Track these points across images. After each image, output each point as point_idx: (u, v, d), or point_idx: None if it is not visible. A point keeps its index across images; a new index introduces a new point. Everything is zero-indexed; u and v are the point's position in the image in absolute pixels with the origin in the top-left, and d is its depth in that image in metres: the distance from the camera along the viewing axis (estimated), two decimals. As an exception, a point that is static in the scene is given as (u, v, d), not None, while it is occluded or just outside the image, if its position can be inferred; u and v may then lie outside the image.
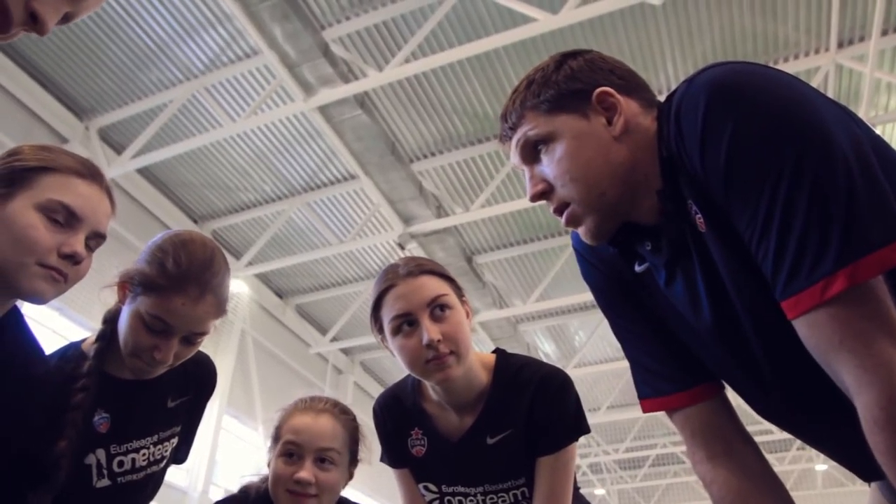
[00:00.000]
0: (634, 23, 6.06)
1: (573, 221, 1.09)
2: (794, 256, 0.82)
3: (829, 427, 1.01)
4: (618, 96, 1.06)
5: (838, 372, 0.83)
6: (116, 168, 6.83)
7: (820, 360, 0.85)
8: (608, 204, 1.05)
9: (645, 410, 1.22)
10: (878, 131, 6.77)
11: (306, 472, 1.55)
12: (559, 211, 1.09)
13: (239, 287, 8.32)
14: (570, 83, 1.08)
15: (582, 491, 1.76)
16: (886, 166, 0.87)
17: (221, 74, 6.55)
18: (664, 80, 6.53)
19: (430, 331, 1.41)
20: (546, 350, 11.28)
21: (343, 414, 1.67)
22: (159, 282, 1.30)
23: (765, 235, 0.85)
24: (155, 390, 1.46)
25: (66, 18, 0.81)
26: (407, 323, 1.43)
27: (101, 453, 1.40)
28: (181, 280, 1.30)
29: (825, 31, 6.15)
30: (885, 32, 6.00)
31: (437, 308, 1.44)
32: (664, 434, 14.36)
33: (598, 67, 1.10)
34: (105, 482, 1.41)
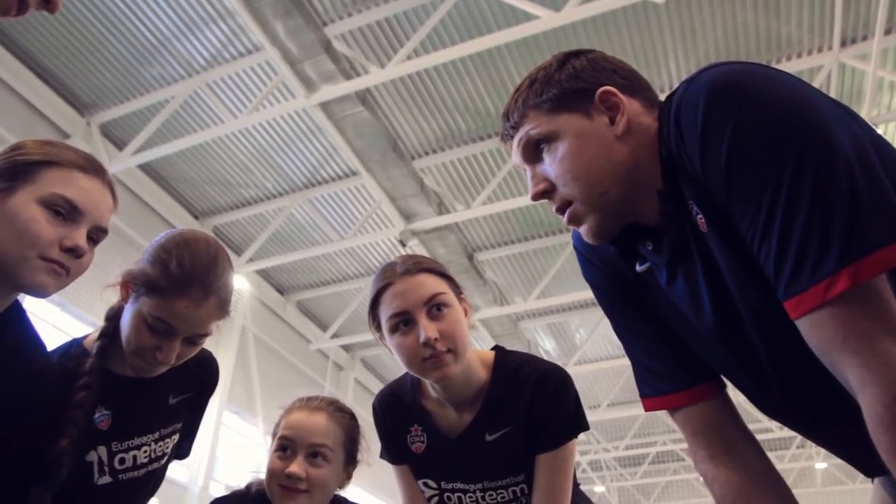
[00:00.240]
0: (637, 21, 6.06)
1: (575, 220, 1.09)
2: (797, 256, 0.82)
3: (833, 425, 1.01)
4: (620, 96, 1.06)
5: (842, 371, 0.83)
6: (117, 163, 6.83)
7: (823, 359, 0.85)
8: (610, 203, 1.05)
9: (647, 409, 1.22)
10: (880, 130, 6.77)
11: (297, 467, 1.58)
12: (561, 210, 1.09)
13: (240, 283, 8.33)
14: (572, 82, 1.08)
15: (582, 488, 1.77)
16: (888, 165, 0.87)
17: (223, 70, 6.55)
18: (666, 78, 6.52)
19: (427, 329, 1.40)
20: (547, 347, 11.29)
21: (339, 412, 1.68)
22: (162, 284, 1.30)
23: (766, 235, 0.85)
24: (157, 387, 1.46)
25: None
26: (404, 321, 1.43)
27: (102, 450, 1.40)
28: (184, 282, 1.30)
29: (828, 30, 6.14)
30: (888, 31, 6.00)
31: (435, 306, 1.44)
32: (664, 431, 14.38)
33: (601, 67, 1.10)
34: (106, 479, 1.41)
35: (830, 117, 0.87)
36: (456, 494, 1.56)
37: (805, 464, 15.02)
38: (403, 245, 7.84)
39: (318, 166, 7.80)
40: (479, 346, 1.50)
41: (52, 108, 6.70)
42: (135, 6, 5.97)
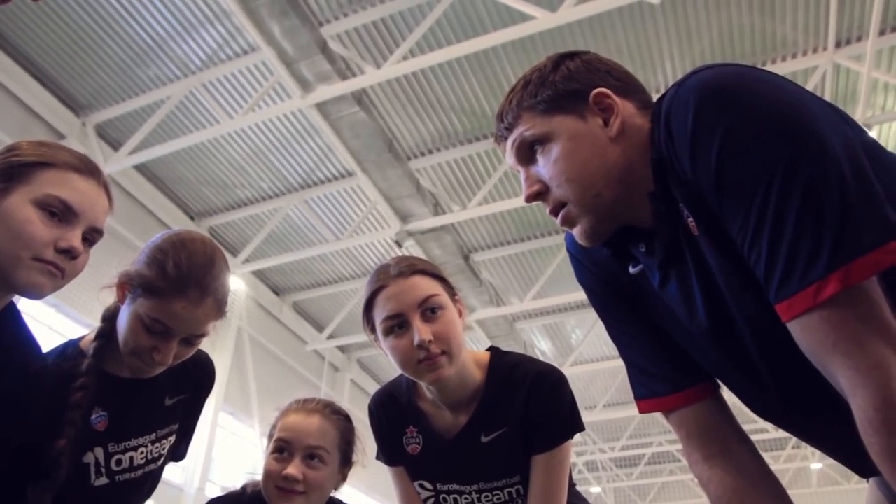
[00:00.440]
0: (633, 21, 6.07)
1: (568, 222, 1.09)
2: (787, 259, 0.83)
3: (826, 426, 1.02)
4: (615, 98, 1.06)
5: (833, 374, 0.83)
6: (113, 164, 6.81)
7: (815, 362, 0.85)
8: (603, 205, 1.05)
9: (641, 411, 1.23)
10: (875, 131, 6.79)
11: (294, 469, 1.58)
12: (555, 212, 1.09)
13: (236, 284, 8.31)
14: (567, 84, 1.08)
15: (578, 488, 1.77)
16: (878, 168, 0.87)
17: (219, 71, 6.54)
18: (662, 78, 6.53)
19: (421, 331, 1.40)
20: (542, 348, 11.30)
21: (335, 414, 1.69)
22: (159, 285, 1.30)
23: (757, 238, 0.85)
24: (153, 389, 1.45)
25: None
26: (398, 324, 1.43)
27: (99, 452, 1.40)
28: (181, 283, 1.30)
29: (823, 31, 6.16)
30: (882, 32, 6.01)
31: (429, 309, 1.44)
32: (660, 432, 14.39)
33: (596, 68, 1.10)
34: (103, 480, 1.40)
35: (821, 120, 0.88)
36: (452, 496, 1.56)
37: (800, 464, 15.05)
38: (399, 246, 7.83)
39: (314, 167, 7.79)
40: (475, 347, 1.50)
41: (48, 108, 6.68)
42: (130, 7, 5.95)
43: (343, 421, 1.70)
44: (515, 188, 7.76)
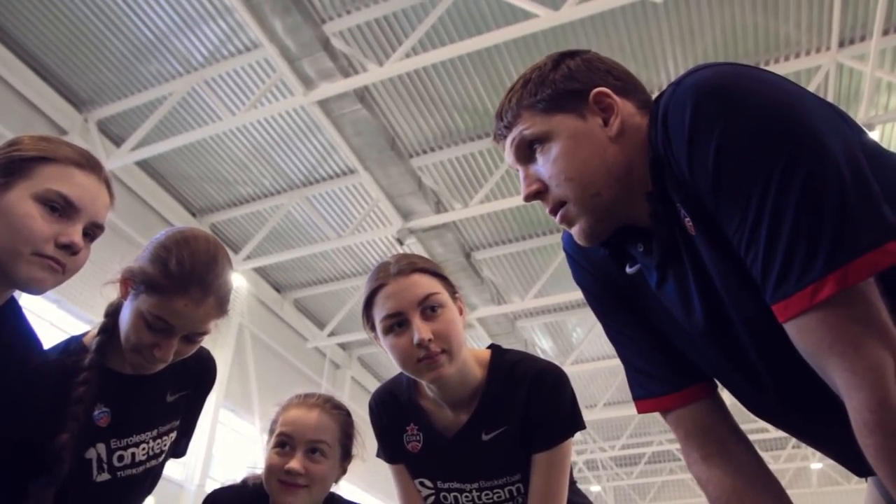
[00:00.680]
0: (635, 20, 6.06)
1: (567, 221, 1.08)
2: (784, 260, 0.82)
3: (824, 426, 1.01)
4: (615, 97, 1.06)
5: (830, 375, 0.83)
6: (115, 160, 6.82)
7: (812, 362, 0.85)
8: (603, 204, 1.05)
9: (639, 411, 1.22)
10: (878, 131, 6.78)
11: (296, 463, 1.59)
12: (554, 211, 1.09)
13: (237, 281, 8.30)
14: (567, 83, 1.07)
15: (578, 486, 1.76)
16: (876, 167, 0.86)
17: (221, 67, 6.54)
18: (665, 77, 6.53)
19: (420, 330, 1.40)
20: (543, 346, 11.30)
21: (335, 409, 1.70)
22: (162, 283, 1.30)
23: (754, 238, 0.85)
24: (154, 385, 1.46)
25: None
26: (398, 322, 1.42)
27: (101, 447, 1.40)
28: (184, 281, 1.30)
29: (826, 30, 6.15)
30: (886, 32, 6.01)
31: (429, 307, 1.43)
32: (660, 431, 14.39)
33: (596, 68, 1.09)
34: (105, 476, 1.41)
35: (819, 120, 0.87)
36: (452, 494, 1.56)
37: (801, 464, 15.05)
38: (401, 243, 7.83)
39: (315, 164, 7.79)
40: (475, 346, 1.50)
41: (50, 104, 6.69)
42: (133, 3, 5.95)
43: (343, 415, 1.71)
44: (517, 186, 7.75)
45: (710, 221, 0.93)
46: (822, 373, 0.85)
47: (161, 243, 1.37)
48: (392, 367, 1.46)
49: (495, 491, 1.53)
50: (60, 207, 1.18)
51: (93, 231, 1.24)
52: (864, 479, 1.19)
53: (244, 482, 1.72)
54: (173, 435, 1.53)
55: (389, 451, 1.61)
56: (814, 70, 6.39)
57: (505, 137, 1.12)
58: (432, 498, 1.58)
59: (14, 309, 1.27)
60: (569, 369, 9.46)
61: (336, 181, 7.96)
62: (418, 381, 1.54)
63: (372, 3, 5.99)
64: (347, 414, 1.73)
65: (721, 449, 1.13)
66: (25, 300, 1.34)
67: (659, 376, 1.17)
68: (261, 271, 9.44)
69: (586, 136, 1.04)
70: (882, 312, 0.81)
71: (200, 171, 7.86)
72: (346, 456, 1.70)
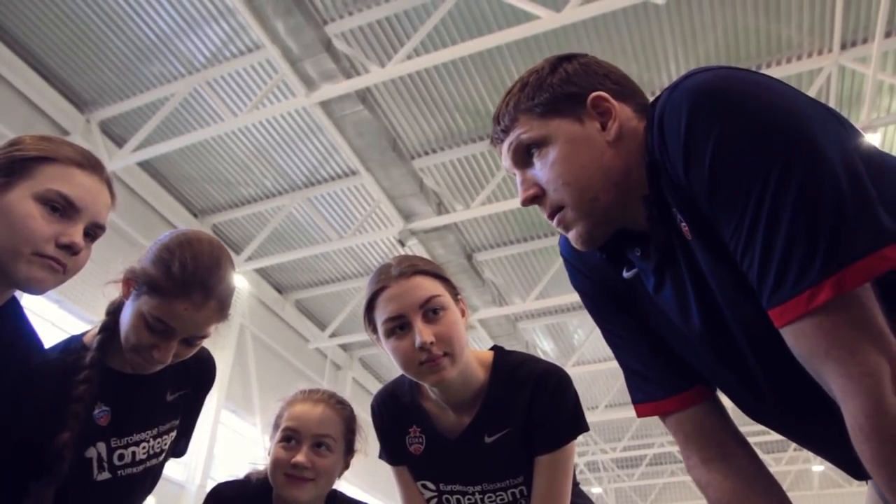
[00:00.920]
0: (637, 22, 6.06)
1: (565, 226, 1.08)
2: (780, 265, 0.82)
3: (821, 430, 1.01)
4: (612, 101, 1.05)
5: (826, 380, 0.83)
6: (117, 161, 6.83)
7: (808, 368, 0.85)
8: (600, 209, 1.04)
9: (639, 415, 1.23)
10: (879, 134, 6.77)
11: (303, 457, 1.61)
12: (552, 216, 1.09)
13: (238, 282, 8.27)
14: (564, 87, 1.07)
15: (580, 488, 1.76)
16: (873, 172, 0.86)
17: (223, 69, 6.55)
18: (666, 79, 6.52)
19: (422, 333, 1.39)
20: (545, 348, 11.29)
21: (339, 404, 1.72)
22: (163, 285, 1.30)
23: (750, 243, 0.85)
24: (154, 384, 1.46)
25: None
26: (400, 325, 1.42)
27: (101, 446, 1.40)
28: (185, 285, 1.30)
29: (828, 33, 6.14)
30: (888, 34, 6.00)
31: (430, 310, 1.42)
32: (662, 433, 14.37)
33: (594, 71, 1.09)
34: (105, 475, 1.41)
35: (816, 124, 0.87)
36: (455, 496, 1.55)
37: (802, 466, 15.02)
38: (402, 245, 7.83)
39: (317, 165, 7.79)
40: (477, 347, 1.50)
41: (52, 105, 6.69)
42: (135, 4, 5.96)
43: (347, 410, 1.73)
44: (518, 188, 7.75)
45: (707, 225, 0.93)
46: (819, 378, 0.84)
47: (164, 245, 1.37)
48: (393, 369, 1.46)
49: (498, 493, 1.53)
50: (61, 207, 1.18)
51: (94, 231, 1.24)
52: (864, 482, 1.19)
53: (248, 477, 1.74)
54: (173, 434, 1.54)
55: (392, 452, 1.60)
56: (816, 72, 6.38)
57: (502, 141, 1.12)
58: (434, 500, 1.57)
59: (15, 309, 1.27)
60: (570, 371, 9.42)
61: (337, 182, 7.96)
62: (420, 383, 1.54)
63: (374, 5, 6.00)
64: (350, 409, 1.74)
65: (720, 452, 1.13)
66: (26, 300, 1.34)
67: (657, 380, 1.17)
68: (262, 272, 9.44)
69: (584, 141, 1.04)
70: (878, 317, 0.81)
71: (202, 171, 7.86)
72: (349, 450, 1.71)
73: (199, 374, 1.57)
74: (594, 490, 16.08)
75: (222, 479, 1.77)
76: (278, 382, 9.63)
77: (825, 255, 0.79)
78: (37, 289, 1.17)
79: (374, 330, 1.48)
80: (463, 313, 1.51)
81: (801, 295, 0.81)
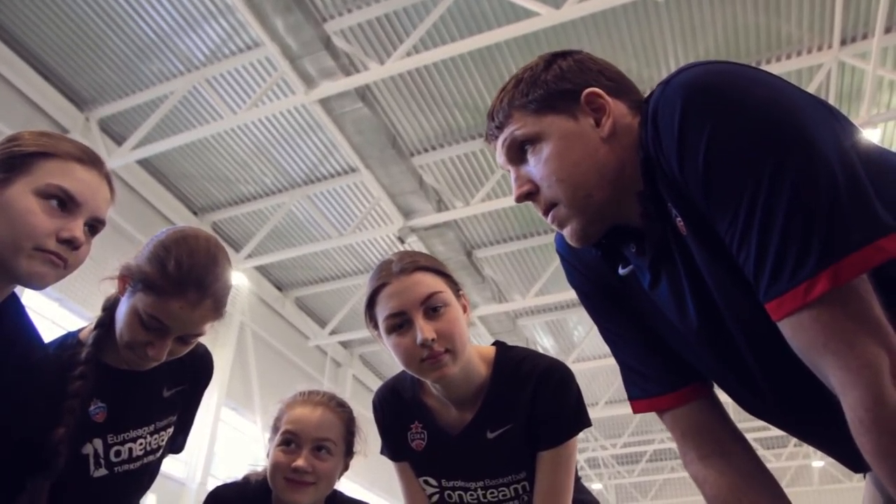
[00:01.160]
0: (637, 18, 6.05)
1: (559, 223, 1.08)
2: (776, 258, 0.82)
3: (820, 424, 1.01)
4: (607, 98, 1.05)
5: (824, 373, 0.83)
6: (117, 159, 6.82)
7: (806, 361, 0.85)
8: (594, 206, 1.04)
9: (635, 411, 1.22)
10: (879, 129, 6.76)
11: (303, 461, 1.60)
12: (546, 212, 1.08)
13: (238, 280, 8.31)
14: (559, 83, 1.07)
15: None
16: (868, 165, 0.86)
17: (222, 66, 6.54)
18: (666, 75, 6.50)
19: (423, 330, 1.38)
20: (545, 345, 11.30)
21: (339, 406, 1.71)
22: (159, 283, 1.30)
23: (746, 237, 0.85)
24: (151, 380, 1.46)
25: None
26: (401, 322, 1.41)
27: (98, 443, 1.40)
28: (181, 284, 1.29)
29: (828, 28, 6.13)
30: (888, 30, 5.99)
31: (431, 307, 1.42)
32: (662, 430, 14.38)
33: (588, 68, 1.09)
34: (102, 472, 1.41)
35: (810, 117, 0.87)
36: (457, 492, 1.55)
37: (802, 462, 15.02)
38: (402, 242, 7.83)
39: (317, 163, 7.79)
40: (477, 344, 1.50)
41: (51, 103, 6.69)
42: (135, 2, 5.95)
43: (346, 413, 1.72)
44: (518, 185, 7.74)
45: (702, 221, 0.92)
46: (817, 371, 0.84)
47: (161, 242, 1.36)
48: (394, 366, 1.46)
49: (500, 489, 1.53)
50: (61, 202, 1.18)
51: (94, 226, 1.24)
52: (864, 476, 1.19)
53: (246, 479, 1.73)
54: (170, 430, 1.53)
55: (393, 448, 1.60)
56: (815, 68, 6.38)
57: (496, 138, 1.12)
58: (437, 496, 1.57)
59: (15, 305, 1.27)
60: (570, 367, 9.45)
61: (337, 179, 7.96)
62: (422, 379, 1.54)
63: (373, 2, 5.99)
64: (350, 411, 1.74)
65: (718, 448, 1.13)
66: (27, 299, 1.34)
67: (654, 376, 1.17)
68: (262, 270, 9.43)
69: (578, 137, 1.04)
70: (876, 309, 0.81)
71: (202, 169, 7.86)
72: (349, 452, 1.71)
73: (196, 370, 1.57)
74: (594, 486, 16.09)
75: (222, 480, 1.77)
76: (279, 380, 9.64)
77: (821, 246, 0.79)
78: (38, 284, 1.17)
79: (376, 326, 1.48)
80: (464, 309, 1.50)
81: (797, 287, 0.80)
